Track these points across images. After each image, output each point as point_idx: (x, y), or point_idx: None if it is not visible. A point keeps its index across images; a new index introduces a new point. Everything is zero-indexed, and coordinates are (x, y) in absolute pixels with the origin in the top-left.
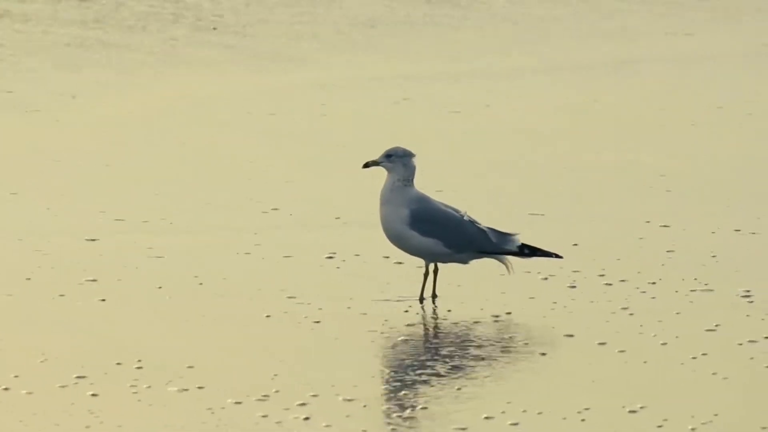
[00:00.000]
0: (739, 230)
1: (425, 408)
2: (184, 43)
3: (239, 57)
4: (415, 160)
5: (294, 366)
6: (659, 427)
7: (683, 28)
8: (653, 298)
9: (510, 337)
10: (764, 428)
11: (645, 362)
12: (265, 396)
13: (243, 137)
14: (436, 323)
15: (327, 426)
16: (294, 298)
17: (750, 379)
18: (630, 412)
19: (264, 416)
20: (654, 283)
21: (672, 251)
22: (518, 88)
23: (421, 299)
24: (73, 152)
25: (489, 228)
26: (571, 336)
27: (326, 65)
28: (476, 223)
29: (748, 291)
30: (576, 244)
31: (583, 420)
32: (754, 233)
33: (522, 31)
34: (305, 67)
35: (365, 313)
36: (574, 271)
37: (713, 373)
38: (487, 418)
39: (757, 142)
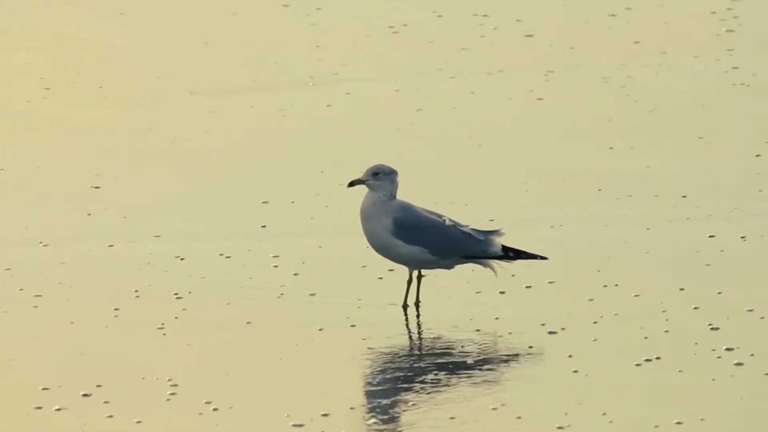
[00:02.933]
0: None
1: (407, 414)
2: None
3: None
4: (398, 177)
5: (274, 372)
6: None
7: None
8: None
9: (494, 344)
10: (657, 427)
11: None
12: (231, 406)
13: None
14: (420, 330)
15: None
16: (278, 302)
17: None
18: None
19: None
20: (637, 295)
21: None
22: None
23: (405, 306)
24: None
25: (472, 229)
26: (557, 342)
27: None
28: (459, 225)
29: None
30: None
31: (565, 428)
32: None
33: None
34: None
35: (348, 320)
36: (557, 276)
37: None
38: (471, 424)
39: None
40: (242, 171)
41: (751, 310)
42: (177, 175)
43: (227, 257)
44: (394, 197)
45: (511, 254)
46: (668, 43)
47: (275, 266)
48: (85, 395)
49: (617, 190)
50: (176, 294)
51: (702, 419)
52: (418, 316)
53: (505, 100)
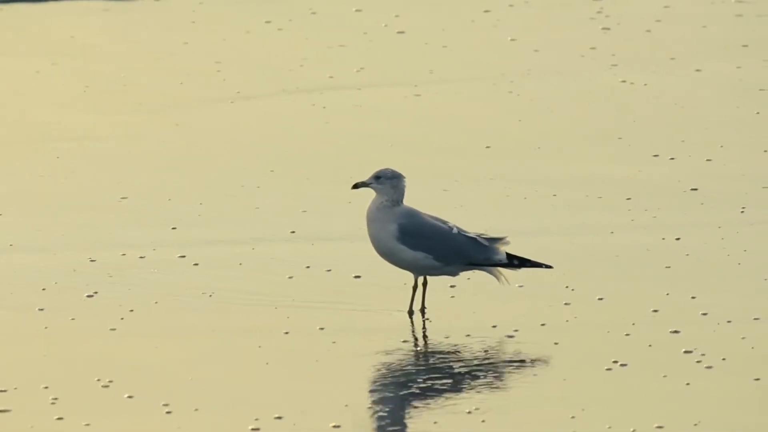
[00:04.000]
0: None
1: (412, 423)
2: None
3: None
4: (405, 182)
5: (283, 379)
6: None
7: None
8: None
9: (499, 351)
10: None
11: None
12: (237, 411)
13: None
14: (425, 337)
15: None
16: (281, 308)
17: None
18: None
19: None
20: (601, 299)
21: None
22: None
23: (410, 312)
24: None
25: (477, 234)
26: (562, 351)
27: None
28: (464, 232)
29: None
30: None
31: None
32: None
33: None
34: None
35: (353, 326)
36: (566, 285)
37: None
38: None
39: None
40: (154, 175)
41: (705, 314)
42: (95, 181)
43: (141, 257)
44: (399, 203)
45: (516, 262)
46: (542, 41)
47: (195, 264)
48: (37, 398)
49: (548, 192)
50: (115, 296)
51: (695, 424)
52: (423, 322)
53: (401, 98)
